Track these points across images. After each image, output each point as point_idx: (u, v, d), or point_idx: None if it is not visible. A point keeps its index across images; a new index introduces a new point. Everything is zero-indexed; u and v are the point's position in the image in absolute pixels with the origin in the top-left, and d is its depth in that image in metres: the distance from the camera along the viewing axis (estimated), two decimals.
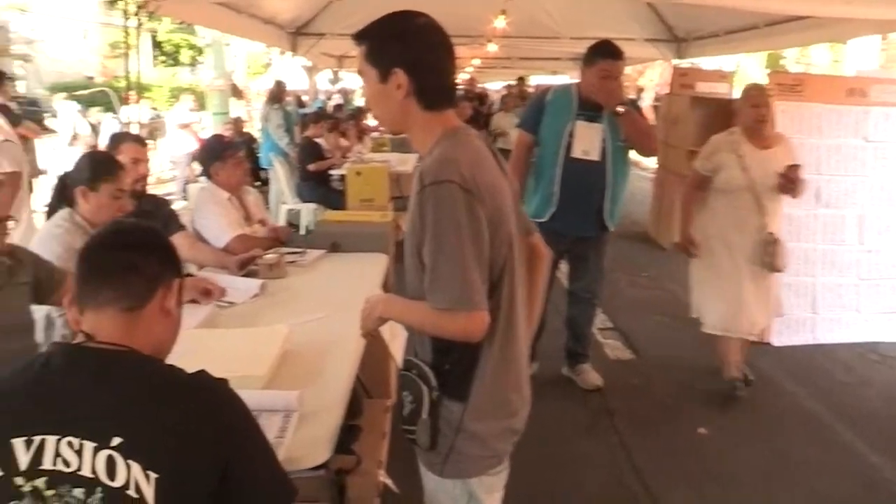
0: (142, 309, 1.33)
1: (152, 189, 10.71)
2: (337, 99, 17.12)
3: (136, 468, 1.17)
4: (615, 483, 3.23)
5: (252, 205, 3.90)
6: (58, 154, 10.02)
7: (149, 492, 1.17)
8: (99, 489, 1.17)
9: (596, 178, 3.77)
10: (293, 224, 7.43)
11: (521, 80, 12.87)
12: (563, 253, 4.05)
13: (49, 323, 2.48)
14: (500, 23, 8.51)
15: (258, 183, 10.06)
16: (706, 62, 10.84)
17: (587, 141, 3.75)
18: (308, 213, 7.53)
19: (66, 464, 1.17)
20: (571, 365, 4.23)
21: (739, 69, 17.01)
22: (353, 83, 19.71)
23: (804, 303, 4.92)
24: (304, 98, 15.07)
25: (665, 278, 6.47)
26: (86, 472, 1.17)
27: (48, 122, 12.50)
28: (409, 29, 1.60)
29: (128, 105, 6.17)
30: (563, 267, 4.20)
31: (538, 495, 3.06)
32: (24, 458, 1.18)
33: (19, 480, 1.18)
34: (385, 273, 3.37)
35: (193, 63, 29.64)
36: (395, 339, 2.47)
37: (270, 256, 3.27)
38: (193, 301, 2.80)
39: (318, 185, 7.69)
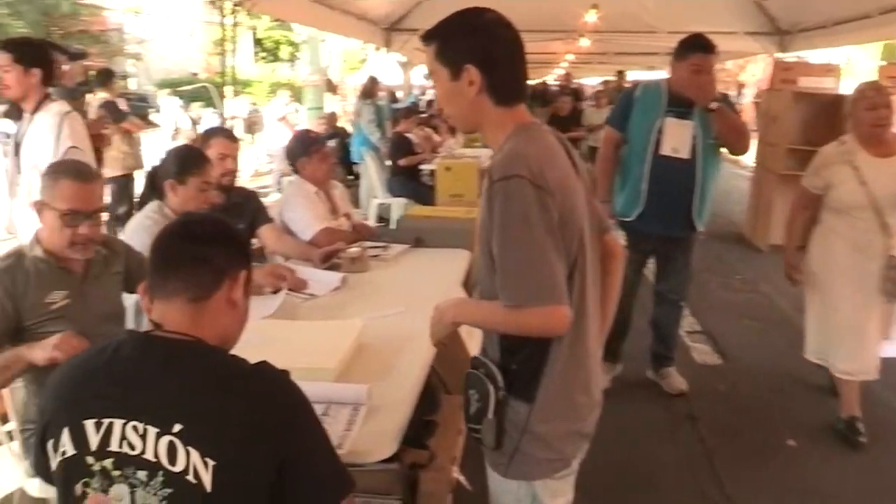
0: (208, 300, 1.36)
1: (250, 182, 11.12)
2: (431, 94, 17.26)
3: (194, 455, 1.20)
4: (695, 491, 3.13)
5: (338, 199, 3.96)
6: (160, 147, 10.49)
7: (206, 478, 1.20)
8: (160, 473, 1.21)
9: (685, 176, 3.65)
10: (384, 218, 7.54)
11: (620, 74, 12.63)
12: (649, 253, 3.97)
13: (138, 311, 2.58)
14: (591, 17, 8.38)
15: (350, 177, 10.26)
16: (813, 55, 10.34)
17: (677, 138, 3.64)
18: (398, 207, 7.60)
19: (132, 447, 1.22)
20: (656, 368, 4.12)
21: (850, 62, 16.20)
22: None
23: None
24: (399, 94, 15.25)
25: (760, 281, 6.23)
26: (149, 455, 1.22)
27: (153, 116, 13.10)
28: (479, 25, 1.59)
29: (224, 100, 6.38)
30: (652, 266, 4.10)
31: (614, 499, 3.01)
32: (94, 439, 1.24)
33: (90, 459, 1.24)
34: (467, 270, 3.36)
35: (292, 59, 30.40)
36: (474, 336, 2.46)
37: (353, 250, 3.32)
38: (276, 291, 2.88)
39: (408, 179, 7.76)
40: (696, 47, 3.55)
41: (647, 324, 4.14)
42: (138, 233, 2.72)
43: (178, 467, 1.20)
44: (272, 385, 1.32)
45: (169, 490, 1.20)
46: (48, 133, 3.30)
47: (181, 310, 1.34)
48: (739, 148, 3.74)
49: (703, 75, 3.55)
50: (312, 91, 13.79)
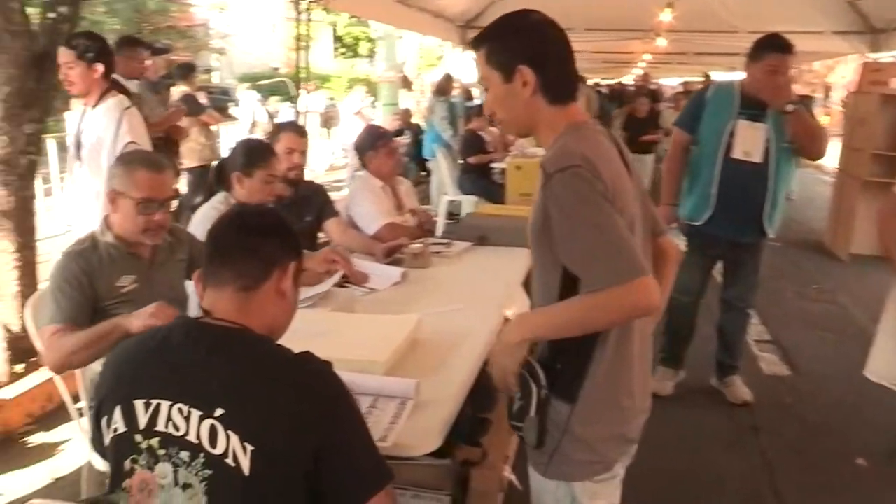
0: (257, 289, 1.40)
1: (325, 176, 11.32)
2: None
3: (234, 439, 1.24)
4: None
5: (404, 194, 4.00)
6: (238, 140, 10.74)
7: (245, 462, 1.23)
8: (202, 454, 1.25)
9: (756, 180, 3.55)
10: (454, 215, 7.56)
11: (707, 76, 12.33)
12: (717, 258, 3.88)
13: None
14: (665, 16, 8.19)
15: (423, 173, 10.33)
16: None
17: (749, 141, 3.54)
18: (468, 205, 7.62)
19: (176, 428, 1.27)
20: (720, 376, 4.03)
21: None
22: None
23: None
24: (475, 91, 15.26)
25: (838, 291, 6.01)
26: (192, 437, 1.26)
27: (232, 110, 13.44)
28: (527, 25, 1.60)
29: (299, 95, 6.51)
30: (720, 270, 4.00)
31: None
32: (143, 419, 1.30)
33: (138, 437, 1.30)
34: (528, 269, 3.35)
35: (371, 55, 30.79)
36: None
37: (416, 246, 3.34)
38: (341, 285, 2.92)
39: (479, 177, 7.76)
40: (771, 47, 3.45)
41: (713, 330, 4.05)
42: (203, 223, 2.81)
43: (219, 450, 1.24)
44: (314, 375, 1.34)
45: (209, 471, 1.25)
46: (109, 127, 3.39)
47: (231, 298, 1.39)
48: (815, 152, 3.62)
49: (779, 76, 3.45)
50: (388, 87, 13.94)
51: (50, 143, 6.45)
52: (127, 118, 3.41)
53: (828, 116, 16.50)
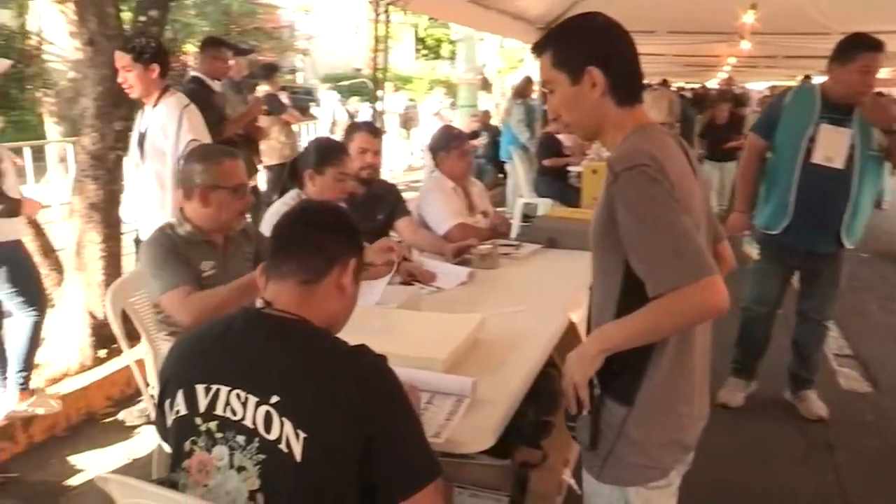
0: (317, 283, 1.45)
1: (403, 176, 11.43)
2: None
3: (288, 425, 1.28)
4: None
5: (476, 196, 4.02)
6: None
7: (297, 449, 1.27)
8: (257, 439, 1.30)
9: (837, 187, 3.41)
10: (528, 217, 7.54)
11: (806, 78, 11.91)
12: (795, 268, 3.75)
13: None
14: (748, 18, 7.91)
15: (501, 175, 10.34)
16: None
17: (831, 146, 3.41)
18: (544, 208, 7.59)
19: (234, 412, 1.33)
20: (794, 389, 3.88)
21: None
22: None
23: None
24: None
25: None
26: (248, 422, 1.31)
27: (313, 109, 13.72)
28: (594, 27, 1.60)
29: (377, 95, 6.60)
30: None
31: None
32: (203, 403, 1.36)
33: (198, 420, 1.36)
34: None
35: (452, 57, 30.93)
36: None
37: (484, 247, 3.35)
38: (408, 283, 2.96)
39: (555, 180, 7.72)
40: (864, 46, 3.30)
41: (788, 342, 3.92)
42: (273, 219, 2.87)
43: (273, 436, 1.29)
44: (370, 369, 1.38)
45: (263, 456, 1.29)
46: (170, 126, 3.46)
47: (291, 291, 1.44)
48: None
49: (871, 77, 3.31)
50: (467, 89, 14.00)
51: None
52: (186, 116, 3.50)
53: None
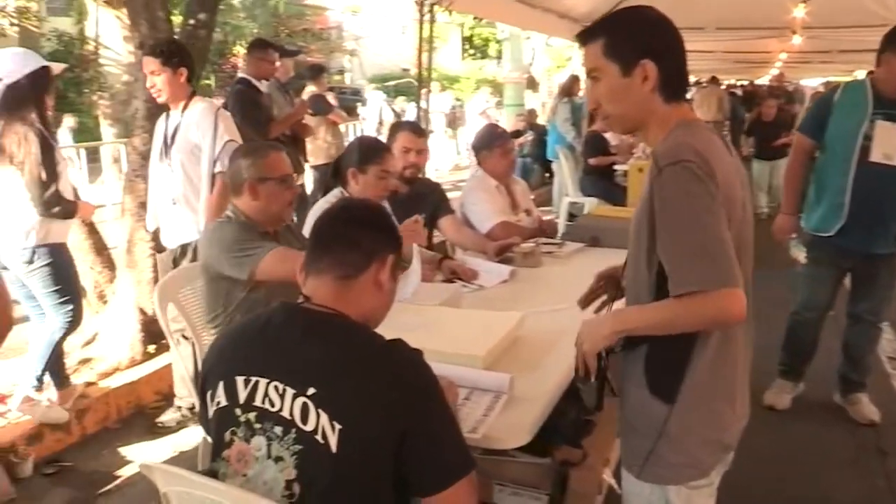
0: (355, 279, 1.47)
1: (450, 176, 11.46)
2: None
3: (324, 417, 1.30)
4: None
5: (519, 194, 4.02)
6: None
7: (333, 440, 1.30)
8: (293, 430, 1.33)
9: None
10: (574, 216, 7.51)
11: (870, 73, 11.55)
12: (847, 271, 3.63)
13: None
14: (798, 12, 7.70)
15: (547, 174, 10.30)
16: None
17: (889, 143, 3.28)
18: (590, 207, 7.54)
19: (272, 404, 1.35)
20: (844, 392, 3.77)
21: None
22: None
23: None
24: None
25: None
26: (285, 413, 1.34)
27: (360, 109, 13.83)
28: (650, 20, 1.58)
29: (421, 95, 6.64)
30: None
31: None
32: (242, 394, 1.39)
33: (238, 411, 1.39)
34: None
35: (499, 56, 30.88)
36: None
37: (527, 245, 3.35)
38: (450, 280, 2.98)
39: (600, 179, 7.67)
40: None
41: (838, 344, 3.81)
42: (311, 218, 2.95)
43: (309, 427, 1.31)
44: (406, 364, 1.39)
45: (300, 447, 1.32)
46: (207, 130, 3.43)
47: (329, 286, 1.46)
48: None
49: None
50: (513, 88, 13.96)
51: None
52: (222, 118, 3.50)
53: None
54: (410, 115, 12.12)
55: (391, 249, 1.54)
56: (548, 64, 21.23)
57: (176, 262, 3.49)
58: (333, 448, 1.29)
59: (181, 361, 3.01)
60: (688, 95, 1.80)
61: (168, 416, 3.65)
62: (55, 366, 3.49)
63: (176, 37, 4.05)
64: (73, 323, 3.39)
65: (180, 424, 3.62)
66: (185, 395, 3.58)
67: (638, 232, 1.58)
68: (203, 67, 4.47)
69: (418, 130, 3.71)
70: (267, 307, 1.52)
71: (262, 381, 1.37)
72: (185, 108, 3.49)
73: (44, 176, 3.12)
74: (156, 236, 3.79)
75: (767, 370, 3.71)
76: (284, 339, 1.41)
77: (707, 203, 1.44)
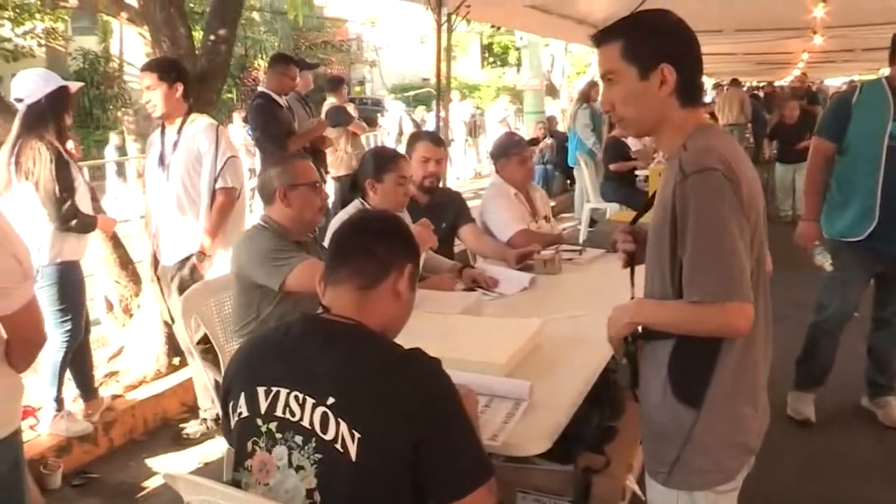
0: (374, 289, 1.48)
1: (471, 184, 11.47)
2: None
3: (343, 426, 1.32)
4: None
5: (538, 201, 4.02)
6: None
7: (352, 448, 1.31)
8: (314, 439, 1.34)
9: None
10: (596, 222, 7.49)
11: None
12: (874, 274, 3.53)
13: None
14: (818, 12, 7.61)
15: (569, 181, 10.28)
16: None
17: None
18: (611, 212, 7.52)
19: (292, 414, 1.37)
20: (872, 396, 3.70)
21: None
22: None
23: None
24: None
25: None
26: (306, 423, 1.35)
27: (380, 119, 13.88)
28: (669, 24, 1.58)
29: (441, 104, 6.67)
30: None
31: None
32: (263, 404, 1.41)
33: (259, 421, 1.41)
34: None
35: (519, 64, 30.93)
36: None
37: (547, 252, 3.35)
38: (471, 288, 3.00)
39: (621, 184, 7.64)
40: None
41: (863, 347, 3.74)
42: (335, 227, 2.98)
43: (329, 436, 1.33)
44: (424, 373, 1.40)
45: (320, 455, 1.33)
46: (209, 146, 3.43)
47: (348, 296, 1.48)
48: None
49: None
50: (532, 95, 13.97)
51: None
52: (223, 136, 3.52)
53: None
54: (430, 124, 12.17)
55: (409, 259, 1.55)
56: (568, 70, 21.22)
57: (175, 278, 3.51)
58: (353, 457, 1.31)
59: (201, 373, 3.04)
60: (707, 99, 1.80)
61: (193, 428, 3.68)
62: (84, 378, 3.54)
63: (197, 52, 4.10)
64: (72, 340, 3.37)
65: (205, 436, 3.65)
66: (209, 406, 3.61)
67: (658, 239, 1.58)
68: (224, 82, 4.52)
69: (437, 140, 3.73)
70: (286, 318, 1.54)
71: (283, 392, 1.39)
72: (182, 123, 3.48)
73: (58, 191, 3.15)
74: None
75: (789, 374, 3.66)
76: (304, 350, 1.42)
77: (729, 214, 1.45)
